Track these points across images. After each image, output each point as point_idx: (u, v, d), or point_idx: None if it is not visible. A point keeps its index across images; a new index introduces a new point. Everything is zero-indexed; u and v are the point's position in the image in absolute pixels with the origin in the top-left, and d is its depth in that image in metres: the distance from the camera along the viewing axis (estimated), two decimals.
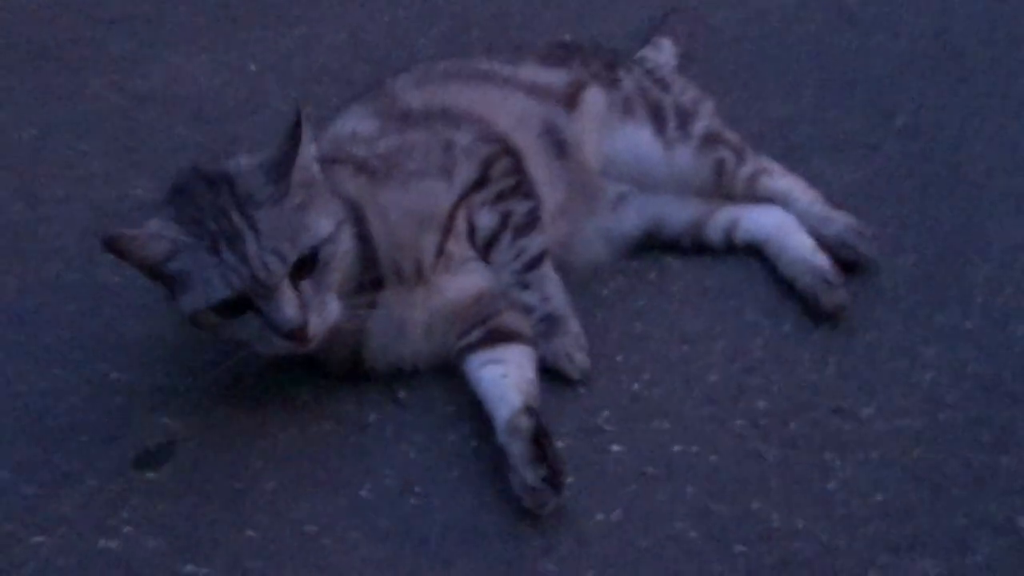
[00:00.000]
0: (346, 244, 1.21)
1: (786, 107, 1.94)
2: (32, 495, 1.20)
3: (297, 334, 1.14)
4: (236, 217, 1.14)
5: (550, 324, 1.35)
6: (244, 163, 1.20)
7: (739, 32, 2.20)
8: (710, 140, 1.56)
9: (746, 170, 1.56)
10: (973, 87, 2.01)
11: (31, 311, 1.45)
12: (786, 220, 1.52)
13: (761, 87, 2.01)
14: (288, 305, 1.14)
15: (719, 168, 1.55)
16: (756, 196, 1.56)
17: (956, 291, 1.50)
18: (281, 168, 1.17)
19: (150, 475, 1.22)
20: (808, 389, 1.35)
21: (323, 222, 1.19)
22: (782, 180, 1.58)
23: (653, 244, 1.56)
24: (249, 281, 1.13)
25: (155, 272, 1.18)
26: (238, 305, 1.15)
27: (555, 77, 1.55)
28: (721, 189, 1.55)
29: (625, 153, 1.53)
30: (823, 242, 1.49)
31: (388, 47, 2.08)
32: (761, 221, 1.53)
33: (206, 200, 1.16)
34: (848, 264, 1.49)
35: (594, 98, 1.54)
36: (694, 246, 1.55)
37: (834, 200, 1.65)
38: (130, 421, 1.29)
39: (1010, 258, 1.54)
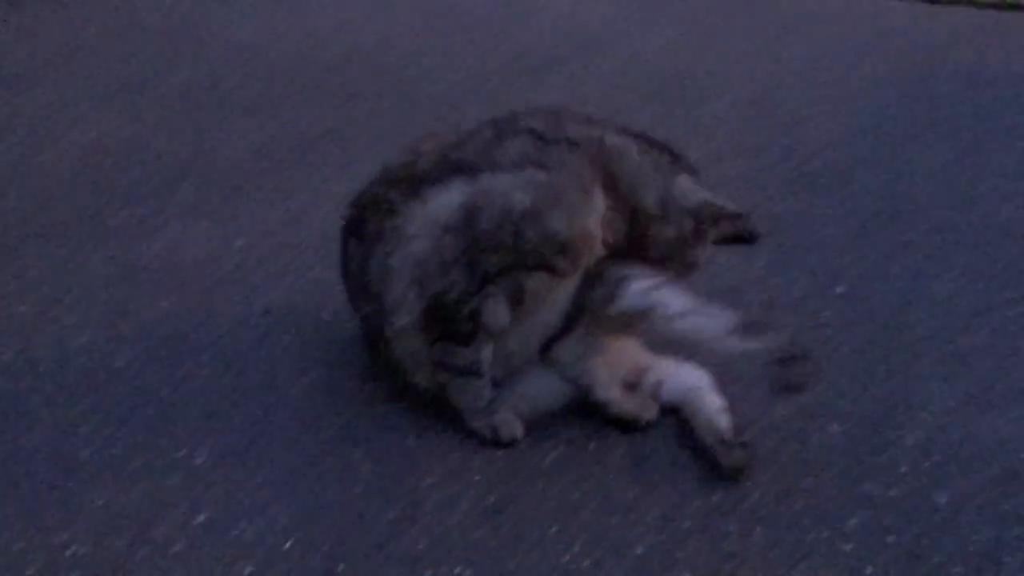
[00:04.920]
0: None
1: (736, 275, 2.04)
2: None
3: None
4: None
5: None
6: None
7: None
8: None
9: None
10: (918, 251, 2.10)
11: None
12: (701, 380, 1.63)
13: (715, 258, 2.11)
14: None
15: None
16: None
17: (883, 458, 1.56)
18: None
19: None
20: (733, 560, 1.39)
21: None
22: None
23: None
24: None
25: None
26: None
27: None
28: None
29: None
30: None
31: None
32: (681, 382, 1.64)
33: None
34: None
35: None
36: None
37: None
38: None
39: (939, 424, 1.60)
